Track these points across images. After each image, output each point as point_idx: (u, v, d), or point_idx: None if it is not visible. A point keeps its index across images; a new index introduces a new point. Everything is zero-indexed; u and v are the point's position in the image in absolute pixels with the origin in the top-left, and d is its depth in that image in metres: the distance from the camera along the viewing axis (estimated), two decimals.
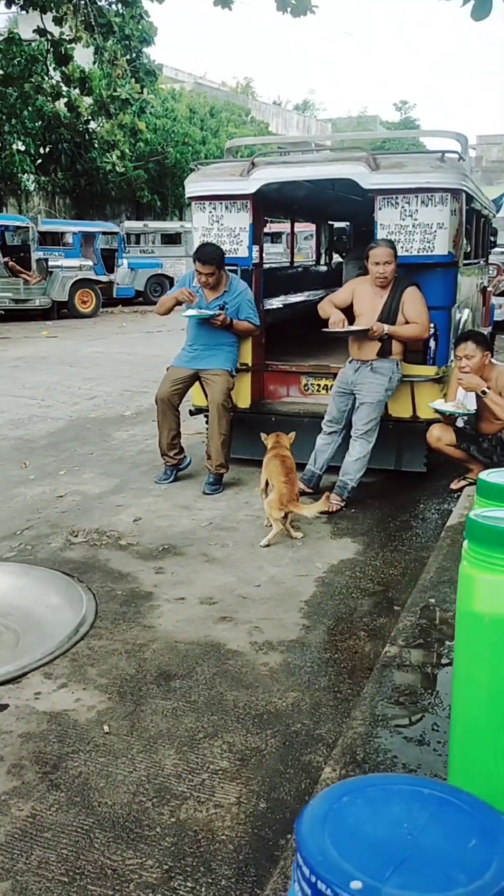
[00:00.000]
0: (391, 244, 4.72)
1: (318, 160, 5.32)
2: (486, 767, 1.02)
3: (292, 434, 4.73)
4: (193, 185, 5.37)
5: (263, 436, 4.76)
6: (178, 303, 5.20)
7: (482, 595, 1.03)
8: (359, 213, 7.51)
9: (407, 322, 4.76)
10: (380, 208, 4.91)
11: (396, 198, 4.84)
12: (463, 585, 1.06)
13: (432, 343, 5.00)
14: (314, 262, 9.44)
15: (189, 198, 5.45)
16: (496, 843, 0.57)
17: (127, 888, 1.99)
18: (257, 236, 5.43)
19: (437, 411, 4.68)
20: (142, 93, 19.28)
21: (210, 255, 4.96)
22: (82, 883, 2.00)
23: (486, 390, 4.48)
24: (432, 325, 4.92)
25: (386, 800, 0.61)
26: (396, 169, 4.82)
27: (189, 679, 2.94)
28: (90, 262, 17.47)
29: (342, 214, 8.87)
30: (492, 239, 9.13)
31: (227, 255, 5.13)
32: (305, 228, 14.53)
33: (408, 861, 0.54)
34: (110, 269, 18.24)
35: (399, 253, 4.79)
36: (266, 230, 12.61)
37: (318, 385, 5.63)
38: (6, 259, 15.77)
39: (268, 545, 4.25)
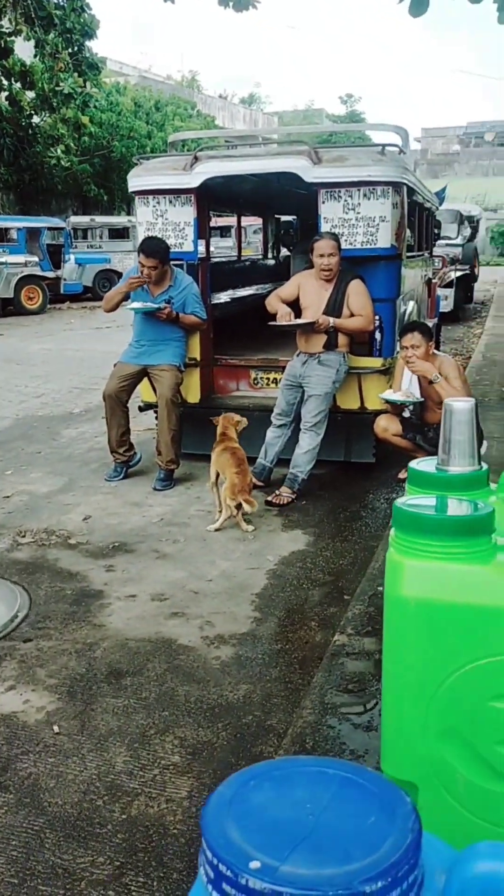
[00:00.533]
0: (335, 237, 4.77)
1: (260, 154, 5.32)
2: (414, 749, 1.05)
3: (244, 419, 4.75)
4: (136, 180, 5.33)
5: (214, 419, 4.77)
6: (126, 297, 5.16)
7: (409, 580, 1.06)
8: (305, 207, 7.53)
9: (352, 315, 4.81)
10: (323, 202, 4.94)
11: (339, 191, 4.88)
12: (390, 571, 1.09)
13: (378, 335, 5.06)
14: (262, 256, 9.46)
15: (132, 192, 5.41)
16: (394, 818, 0.58)
17: (78, 886, 1.98)
18: (202, 230, 5.42)
19: (386, 401, 4.74)
20: (85, 86, 19.05)
21: (153, 248, 4.94)
22: (33, 883, 1.99)
23: (438, 376, 4.54)
24: (377, 317, 4.98)
25: (291, 782, 0.62)
26: (338, 163, 4.85)
27: (140, 676, 2.93)
28: (36, 258, 17.20)
29: (289, 208, 8.90)
30: (436, 231, 9.25)
31: (172, 250, 5.11)
32: (255, 222, 14.57)
33: (307, 840, 0.56)
34: (57, 264, 17.99)
35: (343, 246, 4.83)
36: (215, 224, 12.58)
37: (268, 379, 5.65)
38: None
39: (217, 530, 4.30)
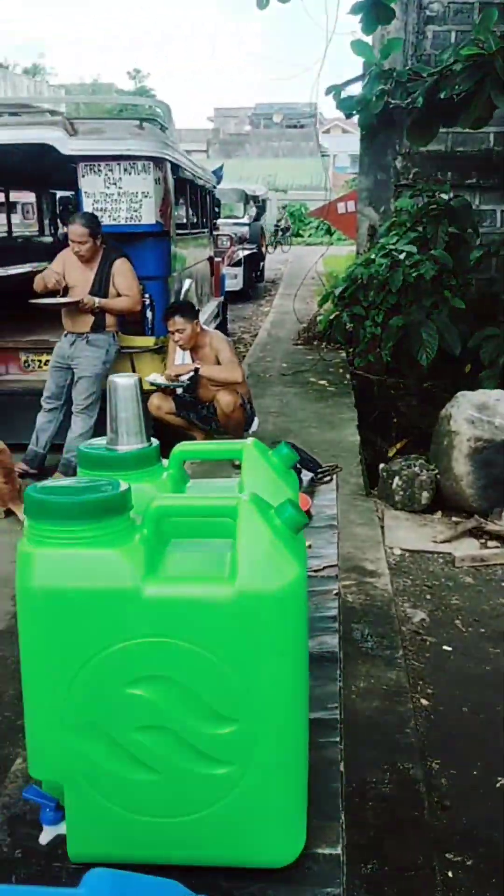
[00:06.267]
0: (88, 221, 4.60)
1: (10, 124, 5.03)
2: (56, 747, 1.00)
3: None
4: None
5: None
6: None
7: (38, 571, 1.00)
8: None
9: (119, 294, 4.71)
10: (83, 175, 4.78)
11: (99, 165, 4.74)
12: (20, 564, 1.03)
13: (149, 313, 5.00)
14: (37, 233, 9.06)
15: None
16: None
17: None
18: None
19: (152, 384, 4.69)
20: None
21: None
22: None
23: (198, 367, 4.57)
24: (147, 295, 4.92)
25: None
26: (95, 135, 4.71)
27: None
28: None
29: (64, 183, 8.57)
30: (216, 209, 9.32)
31: None
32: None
33: None
34: None
35: (107, 222, 4.71)
36: None
37: (39, 361, 5.41)
38: None
39: None
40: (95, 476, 1.20)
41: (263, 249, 16.06)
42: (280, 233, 25.86)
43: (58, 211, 9.30)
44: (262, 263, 15.77)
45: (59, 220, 9.31)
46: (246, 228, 14.07)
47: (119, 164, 4.74)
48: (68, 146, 4.67)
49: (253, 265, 14.41)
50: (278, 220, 26.72)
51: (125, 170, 4.76)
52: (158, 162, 4.89)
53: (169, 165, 5.15)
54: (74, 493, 1.00)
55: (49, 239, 8.86)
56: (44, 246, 8.51)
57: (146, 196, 4.82)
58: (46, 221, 8.99)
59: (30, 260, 7.71)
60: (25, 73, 44.38)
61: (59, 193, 9.28)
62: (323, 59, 8.06)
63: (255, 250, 14.26)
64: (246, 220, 14.33)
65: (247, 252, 13.48)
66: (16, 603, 1.07)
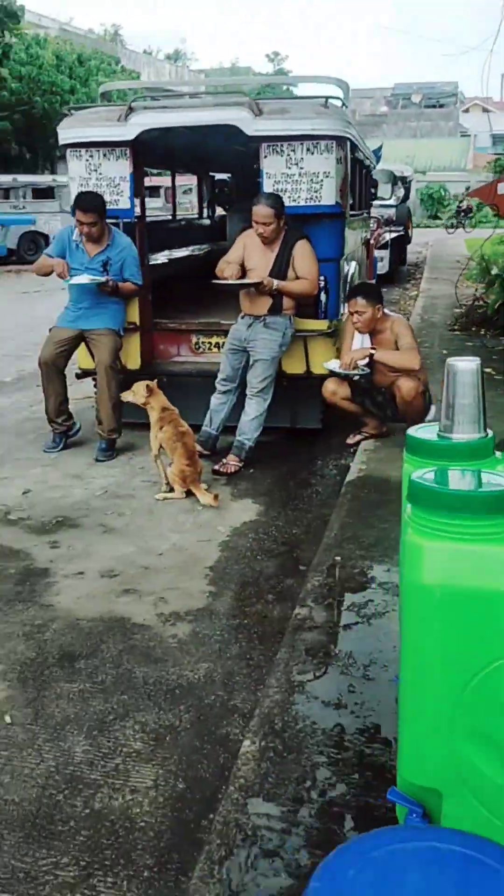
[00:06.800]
0: (274, 202, 4.55)
1: (199, 105, 5.07)
2: (439, 753, 0.94)
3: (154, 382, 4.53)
4: (68, 132, 5.01)
5: (134, 390, 4.42)
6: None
7: (431, 565, 0.94)
8: (241, 164, 7.29)
9: (297, 277, 4.66)
10: (265, 156, 4.75)
11: (281, 145, 4.69)
12: (409, 556, 0.97)
13: (323, 296, 4.93)
14: (197, 216, 9.18)
15: (63, 145, 5.08)
16: None
17: (42, 891, 1.85)
18: (138, 187, 5.16)
19: (330, 372, 4.62)
20: (3, 36, 18.07)
21: (91, 203, 4.68)
22: None
23: (373, 351, 4.47)
24: (322, 278, 4.84)
25: (399, 868, 0.50)
26: (279, 115, 4.65)
27: (94, 658, 2.78)
28: None
29: (224, 165, 8.63)
30: (372, 191, 9.11)
31: (107, 207, 4.85)
32: (184, 182, 14.16)
33: None
34: None
35: (287, 203, 4.66)
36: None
37: (210, 343, 5.46)
38: None
39: (163, 499, 4.23)
40: (424, 464, 1.14)
41: (410, 232, 15.64)
42: (462, 213, 25.28)
43: (214, 194, 9.39)
44: (406, 246, 15.38)
45: (215, 203, 9.39)
46: (393, 210, 13.72)
47: (302, 144, 4.67)
48: (252, 127, 4.65)
49: (399, 248, 14.06)
50: (460, 202, 26.13)
51: (307, 150, 4.68)
52: (341, 141, 4.79)
53: (349, 144, 5.04)
54: (467, 484, 0.93)
55: (207, 221, 8.95)
56: (203, 228, 8.62)
57: (327, 176, 4.73)
58: (204, 204, 9.08)
59: (192, 242, 7.82)
60: (168, 58, 45.16)
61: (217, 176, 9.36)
62: (496, 34, 7.69)
63: (401, 232, 13.90)
64: (393, 201, 13.97)
65: (393, 235, 13.16)
66: (405, 598, 1.01)
